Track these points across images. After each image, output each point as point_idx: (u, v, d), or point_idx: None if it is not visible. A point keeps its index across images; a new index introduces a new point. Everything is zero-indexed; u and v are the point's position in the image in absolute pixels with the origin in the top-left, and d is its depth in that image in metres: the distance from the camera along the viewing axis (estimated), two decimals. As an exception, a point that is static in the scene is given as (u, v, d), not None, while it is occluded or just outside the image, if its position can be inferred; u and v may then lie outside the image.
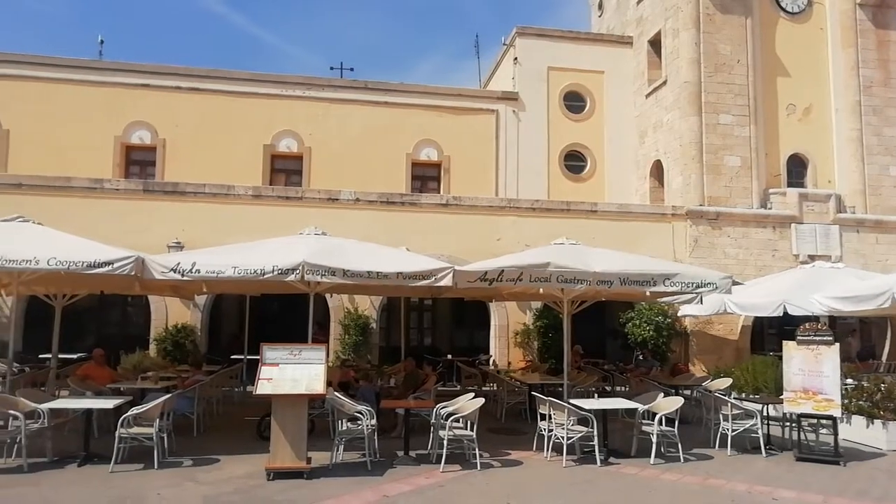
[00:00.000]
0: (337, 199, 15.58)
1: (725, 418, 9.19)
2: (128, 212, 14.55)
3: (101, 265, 8.02)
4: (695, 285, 9.34)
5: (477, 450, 8.16)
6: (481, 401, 8.38)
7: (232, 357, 14.61)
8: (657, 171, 19.48)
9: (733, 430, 9.09)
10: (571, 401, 8.96)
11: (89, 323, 16.93)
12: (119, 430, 7.75)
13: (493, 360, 15.85)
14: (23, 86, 18.00)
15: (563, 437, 8.30)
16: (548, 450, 8.67)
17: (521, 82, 20.56)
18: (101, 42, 20.27)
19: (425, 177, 20.37)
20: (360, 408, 8.20)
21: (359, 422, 8.16)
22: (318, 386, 7.56)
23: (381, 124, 19.49)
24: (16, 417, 7.78)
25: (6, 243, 8.10)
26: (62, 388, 10.60)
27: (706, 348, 16.53)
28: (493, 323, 16.37)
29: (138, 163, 18.79)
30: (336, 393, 8.52)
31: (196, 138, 18.49)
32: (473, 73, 30.15)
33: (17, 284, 9.19)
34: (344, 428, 8.23)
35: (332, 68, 22.07)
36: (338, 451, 8.20)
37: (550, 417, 8.62)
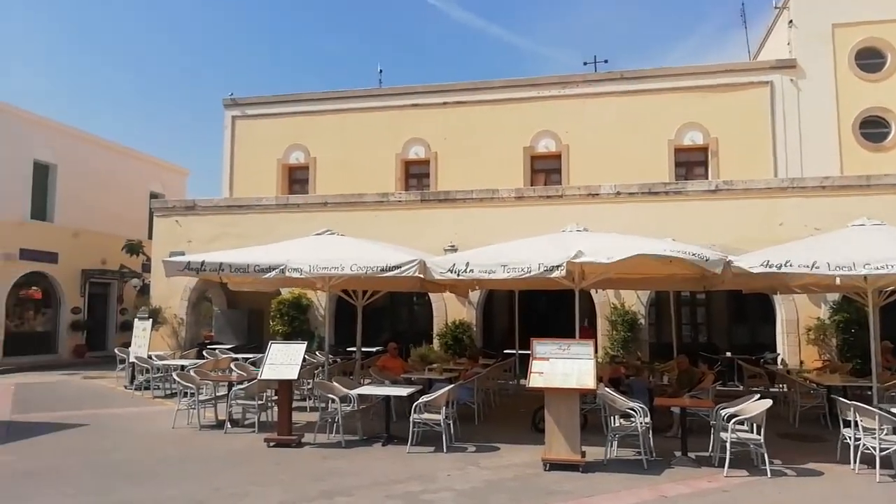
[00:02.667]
0: (597, 194, 15.47)
1: None
2: (408, 220, 16.19)
3: (391, 268, 9.11)
4: None
5: (766, 455, 7.48)
6: (768, 402, 7.66)
7: (505, 351, 15.38)
8: None
9: None
10: (884, 406, 7.73)
11: (383, 320, 19.24)
12: (413, 416, 8.70)
13: (782, 359, 14.30)
14: (323, 119, 21.19)
15: (874, 448, 7.21)
16: (855, 461, 7.59)
17: (798, 47, 18.27)
18: (381, 71, 22.89)
19: (690, 163, 19.21)
20: (632, 404, 8.08)
21: (632, 419, 8.04)
22: (588, 381, 7.63)
23: (640, 113, 18.89)
24: (333, 401, 9.21)
25: (320, 252, 9.74)
26: (365, 377, 12.23)
27: None
28: (779, 317, 14.77)
29: (415, 175, 20.82)
30: (607, 388, 8.50)
31: (462, 148, 19.89)
32: (736, 48, 27.46)
33: (328, 287, 10.88)
34: (617, 424, 8.17)
35: (585, 63, 21.90)
36: (611, 447, 8.17)
37: (857, 424, 7.54)
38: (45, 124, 22.07)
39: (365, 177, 19.68)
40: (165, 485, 7.07)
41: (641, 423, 7.93)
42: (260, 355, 14.69)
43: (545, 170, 19.95)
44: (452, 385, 9.43)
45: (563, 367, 7.82)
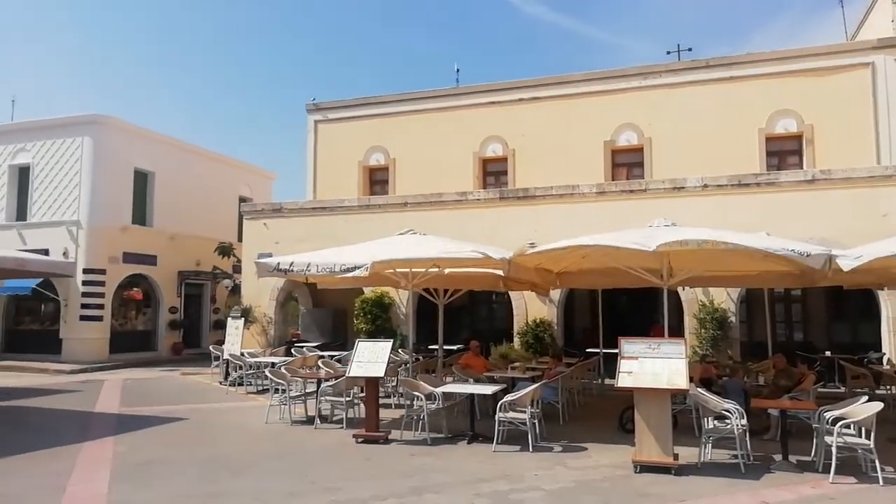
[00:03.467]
0: (683, 188, 14.97)
1: None
2: (487, 218, 16.18)
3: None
4: None
5: (877, 462, 7.03)
6: (879, 405, 7.19)
7: (587, 350, 15.15)
8: None
9: None
10: None
11: (463, 318, 19.36)
12: (498, 414, 8.70)
13: (888, 359, 13.39)
14: (402, 120, 21.51)
15: None
16: (979, 470, 7.03)
17: (904, 24, 17.04)
18: (458, 71, 23.02)
19: (783, 152, 18.28)
20: (727, 406, 7.78)
21: (726, 420, 7.74)
22: (680, 381, 7.40)
23: (727, 102, 18.13)
24: (419, 398, 9.34)
25: (405, 250, 9.98)
26: (447, 375, 12.32)
27: None
28: (884, 314, 13.84)
29: (493, 173, 20.80)
30: (699, 389, 8.22)
31: (540, 144, 19.70)
32: (826, 30, 25.88)
33: (411, 285, 11.04)
34: (710, 426, 7.88)
35: (668, 52, 21.21)
36: (705, 449, 7.90)
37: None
38: (143, 134, 23.45)
39: (443, 176, 19.81)
40: (264, 477, 7.38)
41: (738, 425, 7.62)
42: (344, 353, 15.12)
43: (627, 164, 19.48)
44: (537, 384, 9.36)
45: (652, 366, 7.62)
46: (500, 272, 10.17)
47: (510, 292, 15.49)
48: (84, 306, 20.98)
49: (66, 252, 20.92)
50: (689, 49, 21.05)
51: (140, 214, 23.16)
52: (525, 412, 8.64)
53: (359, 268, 9.66)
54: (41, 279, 19.25)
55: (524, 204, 16.16)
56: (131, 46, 78.18)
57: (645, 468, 7.45)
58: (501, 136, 20.36)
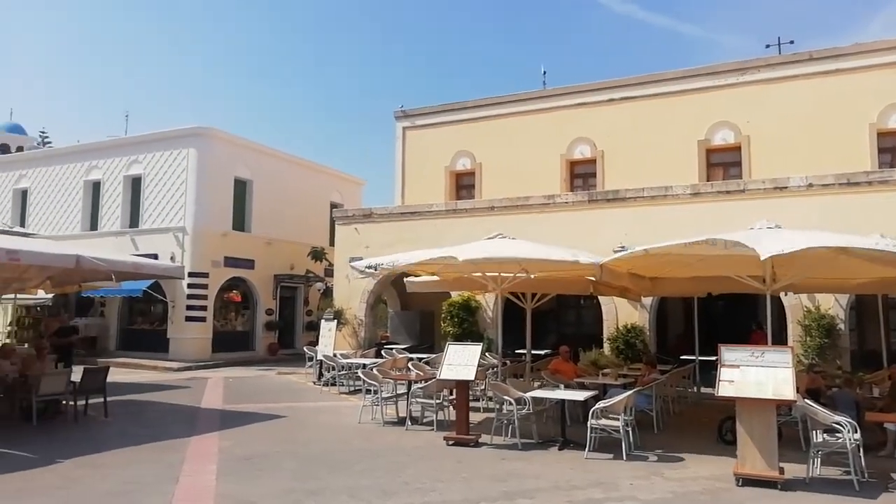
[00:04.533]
0: (785, 188, 14.21)
1: None
2: (575, 221, 15.97)
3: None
4: None
5: None
6: None
7: (681, 357, 14.64)
8: None
9: None
10: None
11: (549, 322, 19.16)
12: (590, 421, 8.56)
13: None
14: (488, 124, 21.59)
15: None
16: None
17: None
18: (545, 73, 22.87)
19: (897, 148, 17.02)
20: (838, 418, 7.32)
21: (837, 434, 7.29)
22: (786, 391, 7.04)
23: (833, 96, 17.07)
24: (509, 403, 9.33)
25: (498, 251, 10.04)
26: (535, 380, 12.24)
27: None
28: None
29: (580, 176, 20.51)
30: (807, 400, 7.78)
31: (630, 145, 19.25)
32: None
33: (500, 289, 11.07)
34: (819, 440, 7.45)
35: (767, 46, 20.17)
36: (814, 464, 7.47)
37: None
38: (243, 144, 24.67)
39: (530, 179, 19.69)
40: (358, 475, 7.59)
41: (850, 439, 7.16)
42: (432, 355, 15.32)
43: (723, 163, 18.70)
44: (631, 391, 9.15)
45: (755, 375, 7.28)
46: (591, 277, 10.03)
47: (600, 297, 15.20)
48: (189, 307, 22.27)
49: (173, 256, 22.28)
50: (791, 42, 20.00)
51: (239, 220, 24.34)
52: (618, 419, 8.47)
53: (453, 257, 9.79)
54: (152, 282, 20.58)
55: (614, 206, 15.83)
56: (231, 61, 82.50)
57: (748, 482, 7.13)
58: (590, 138, 20.03)
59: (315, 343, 17.24)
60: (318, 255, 24.73)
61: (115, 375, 11.94)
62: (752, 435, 7.13)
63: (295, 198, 26.26)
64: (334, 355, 15.79)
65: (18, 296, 16.43)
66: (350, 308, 18.67)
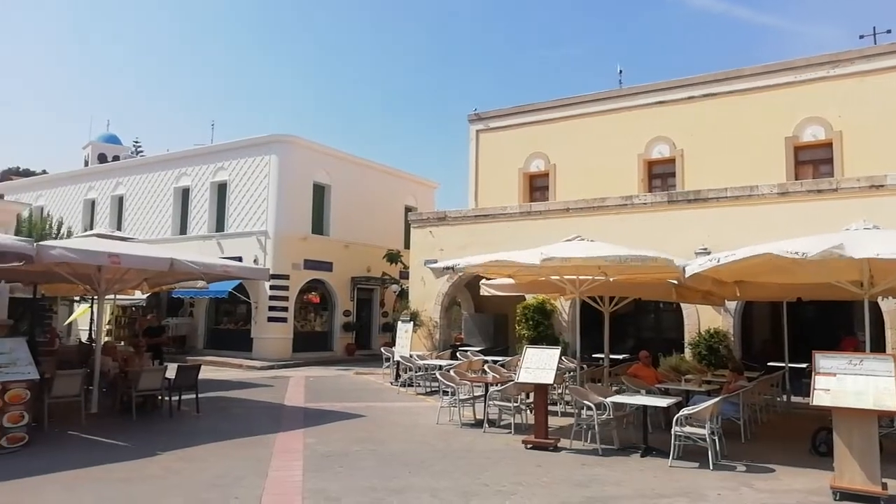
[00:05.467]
0: (882, 186, 13.39)
1: None
2: (654, 222, 15.57)
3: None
4: None
5: None
6: None
7: (768, 363, 14.03)
8: None
9: None
10: None
11: (627, 327, 18.75)
12: (674, 428, 8.34)
13: None
14: (562, 125, 21.39)
15: None
16: None
17: None
18: (620, 72, 22.39)
19: None
20: (948, 433, 6.86)
21: (947, 449, 6.82)
22: (889, 402, 6.65)
23: (937, 87, 15.98)
24: (589, 408, 9.21)
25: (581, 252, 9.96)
26: (613, 385, 12.01)
27: None
28: None
29: (659, 176, 20.00)
30: (911, 412, 7.32)
31: (712, 143, 18.63)
32: None
33: (578, 292, 10.95)
34: (927, 454, 7.00)
35: (861, 37, 19.07)
36: (920, 480, 7.02)
37: None
38: (321, 150, 25.40)
39: (605, 180, 19.37)
40: (438, 476, 7.68)
41: (962, 455, 6.69)
42: (507, 358, 15.29)
43: (812, 161, 17.80)
44: (716, 398, 8.85)
45: (854, 384, 6.91)
46: (673, 281, 9.78)
47: (681, 303, 14.76)
48: (271, 308, 23.11)
49: (256, 259, 23.17)
50: (889, 31, 18.82)
51: (318, 224, 25.08)
52: (704, 427, 8.21)
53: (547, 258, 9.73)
54: (237, 283, 21.47)
55: (695, 207, 15.34)
56: (308, 72, 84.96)
57: (846, 496, 6.77)
58: (668, 137, 19.51)
59: (391, 344, 17.52)
60: (393, 257, 25.14)
61: (203, 373, 12.54)
62: (851, 447, 6.77)
63: (371, 201, 26.83)
64: (411, 356, 16.01)
65: (118, 296, 17.49)
66: (425, 310, 18.88)
